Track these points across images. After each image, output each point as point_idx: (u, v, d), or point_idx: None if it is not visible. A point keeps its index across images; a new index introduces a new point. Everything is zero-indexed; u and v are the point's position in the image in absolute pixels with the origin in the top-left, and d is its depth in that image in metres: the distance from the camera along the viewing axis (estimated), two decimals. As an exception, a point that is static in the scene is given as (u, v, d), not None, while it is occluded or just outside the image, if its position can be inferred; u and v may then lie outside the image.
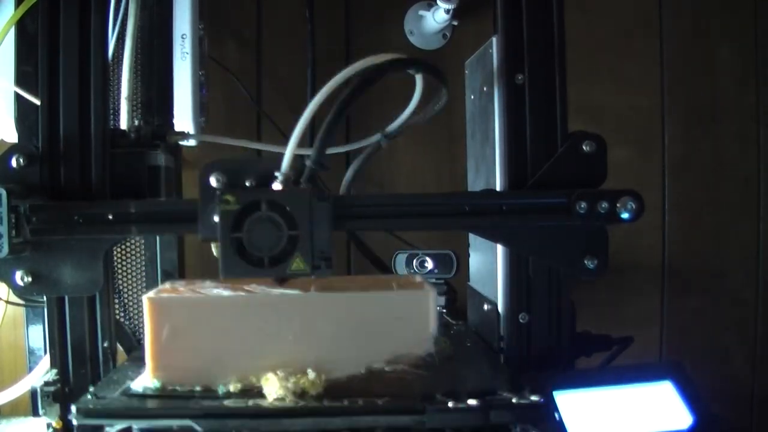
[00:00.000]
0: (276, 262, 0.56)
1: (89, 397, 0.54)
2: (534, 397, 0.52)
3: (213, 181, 0.59)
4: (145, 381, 0.56)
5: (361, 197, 0.64)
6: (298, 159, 0.60)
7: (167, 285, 0.63)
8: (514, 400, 0.52)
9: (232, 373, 0.56)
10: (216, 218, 0.58)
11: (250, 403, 0.53)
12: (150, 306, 0.57)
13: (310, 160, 0.59)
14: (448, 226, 0.68)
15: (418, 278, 0.66)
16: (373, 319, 0.58)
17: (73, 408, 0.52)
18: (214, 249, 0.60)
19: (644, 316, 1.17)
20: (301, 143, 1.07)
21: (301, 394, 0.54)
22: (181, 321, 0.57)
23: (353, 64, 0.61)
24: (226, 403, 0.53)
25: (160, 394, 0.55)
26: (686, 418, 0.60)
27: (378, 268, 0.81)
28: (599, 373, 0.69)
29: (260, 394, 0.54)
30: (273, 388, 0.54)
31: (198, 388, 0.56)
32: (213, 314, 0.57)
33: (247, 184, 0.59)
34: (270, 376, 0.55)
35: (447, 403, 0.52)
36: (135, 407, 0.53)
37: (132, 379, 0.58)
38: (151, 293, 0.58)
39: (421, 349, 0.58)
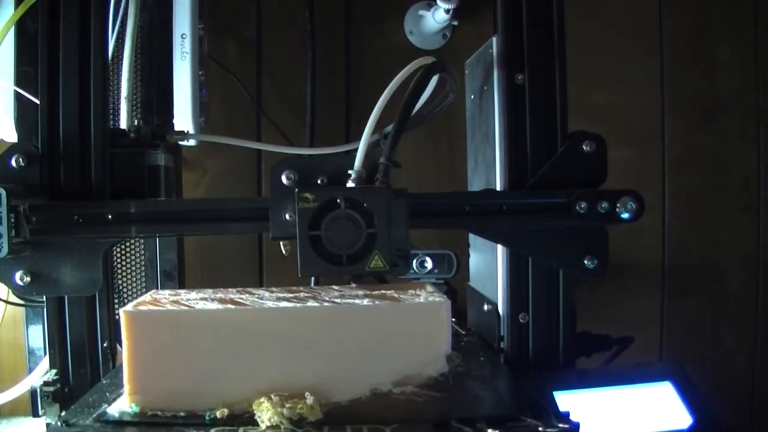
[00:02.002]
0: (355, 260, 0.56)
1: (59, 424, 0.49)
2: (562, 425, 0.46)
3: (284, 179, 0.59)
4: (123, 405, 0.50)
5: (435, 196, 0.64)
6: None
7: (148, 296, 0.58)
8: (540, 429, 0.46)
9: (221, 396, 0.50)
10: (288, 216, 0.58)
11: (241, 431, 0.48)
12: (127, 320, 0.51)
13: (383, 158, 0.59)
14: (448, 226, 0.68)
15: (429, 287, 0.61)
16: (379, 334, 0.52)
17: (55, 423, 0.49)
18: (283, 248, 0.59)
19: (644, 316, 1.17)
20: (299, 143, 1.07)
21: (298, 420, 0.48)
22: (162, 338, 0.51)
23: (409, 65, 0.62)
24: (213, 431, 0.48)
25: (139, 420, 0.49)
26: (686, 418, 0.60)
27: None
28: (599, 373, 0.69)
29: (252, 421, 0.49)
30: (266, 414, 0.48)
31: (182, 414, 0.50)
32: (199, 330, 0.51)
33: (319, 181, 0.59)
34: (263, 400, 0.49)
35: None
36: None
37: (110, 402, 0.52)
38: (129, 306, 0.53)
39: (433, 368, 0.53)
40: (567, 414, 0.48)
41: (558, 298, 0.66)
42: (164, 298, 0.56)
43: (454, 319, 0.74)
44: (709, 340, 1.17)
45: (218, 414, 0.50)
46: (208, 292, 0.59)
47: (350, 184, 0.58)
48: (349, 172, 0.59)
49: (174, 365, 0.51)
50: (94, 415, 0.50)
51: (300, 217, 0.56)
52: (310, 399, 0.49)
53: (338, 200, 0.56)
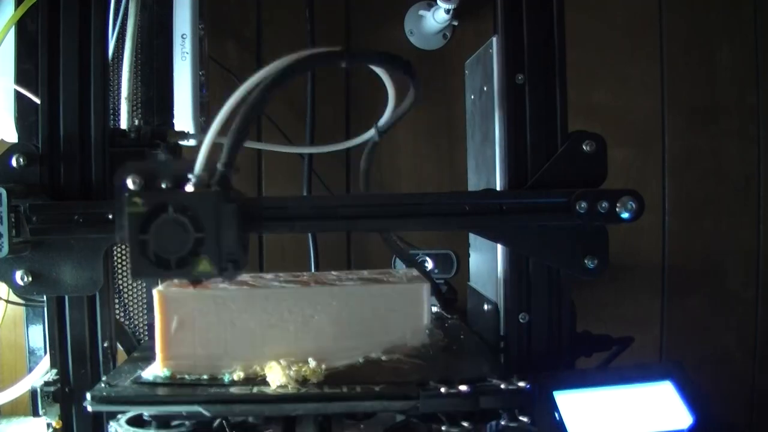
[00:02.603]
0: (182, 264, 0.55)
1: (102, 384, 0.56)
2: (521, 383, 0.55)
3: (130, 183, 0.58)
4: (155, 370, 0.59)
5: (269, 200, 0.64)
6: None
7: (176, 279, 0.64)
8: (502, 386, 0.55)
9: (237, 362, 0.59)
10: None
11: (255, 390, 0.56)
12: (159, 299, 0.60)
13: (219, 162, 0.58)
14: (448, 226, 0.68)
15: (415, 272, 0.69)
16: (369, 311, 0.62)
17: (88, 395, 0.54)
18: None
19: (644, 316, 1.17)
20: (299, 143, 1.07)
21: (302, 381, 0.57)
22: (188, 313, 0.60)
23: (273, 63, 0.60)
24: (232, 390, 0.56)
25: (170, 382, 0.58)
26: (686, 418, 0.60)
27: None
28: (599, 373, 0.69)
29: (264, 382, 0.57)
30: (276, 376, 0.56)
31: (205, 377, 0.58)
32: (218, 307, 0.60)
33: (163, 186, 0.58)
34: (273, 364, 0.57)
35: (439, 389, 0.54)
36: (146, 394, 0.56)
37: (142, 370, 0.60)
38: (161, 286, 0.61)
39: (416, 340, 0.62)
40: (529, 377, 0.55)
41: (558, 298, 0.66)
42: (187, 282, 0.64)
43: (439, 305, 0.82)
44: (709, 340, 1.17)
45: (235, 377, 0.58)
46: None
47: (189, 188, 0.57)
48: (189, 176, 0.57)
49: (198, 336, 0.60)
50: (131, 378, 0.58)
51: (130, 222, 0.55)
52: (312, 363, 0.58)
53: (167, 205, 0.56)
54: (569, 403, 0.59)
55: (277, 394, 0.55)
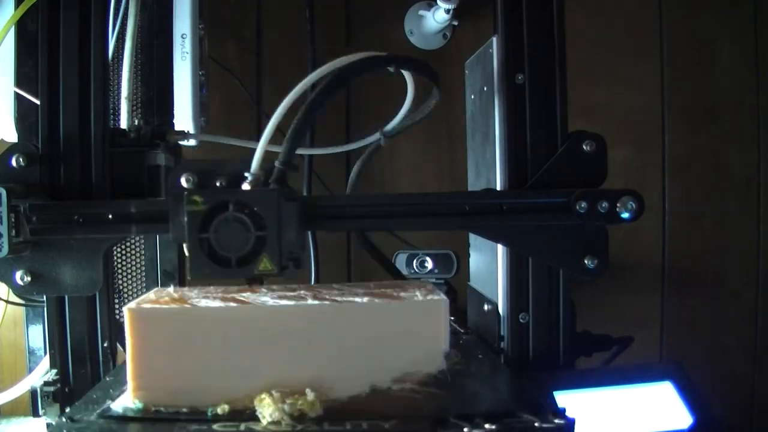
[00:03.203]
0: (243, 263, 0.56)
1: (63, 420, 0.49)
2: (558, 421, 0.47)
3: (183, 182, 0.58)
4: (126, 401, 0.51)
5: (331, 198, 0.64)
6: (270, 160, 0.60)
7: (152, 294, 0.58)
8: (536, 424, 0.47)
9: (222, 393, 0.51)
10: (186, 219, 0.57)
11: (242, 427, 0.48)
12: (131, 318, 0.51)
13: (278, 161, 0.58)
14: (448, 226, 0.68)
15: (429, 285, 0.61)
16: (378, 332, 0.53)
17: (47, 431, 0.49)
18: (186, 250, 0.59)
19: (644, 316, 1.17)
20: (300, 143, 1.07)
21: (298, 416, 0.49)
22: (165, 334, 0.52)
23: (325, 65, 0.61)
24: (216, 427, 0.48)
25: (142, 416, 0.50)
26: (686, 418, 0.60)
27: (391, 274, 0.80)
28: (599, 373, 0.69)
29: (253, 417, 0.49)
30: (267, 410, 0.49)
31: (184, 410, 0.50)
32: (201, 327, 0.52)
33: (218, 185, 0.59)
34: (264, 396, 0.50)
35: (462, 428, 0.46)
36: None
37: (113, 398, 0.52)
38: (133, 303, 0.53)
39: (431, 366, 0.53)
40: (563, 410, 0.48)
41: (558, 298, 0.66)
42: (167, 296, 0.57)
43: (453, 318, 0.74)
44: (709, 340, 1.17)
45: (220, 410, 0.50)
46: (210, 290, 0.60)
47: (246, 187, 0.58)
48: (246, 175, 0.58)
49: (177, 362, 0.52)
50: (98, 411, 0.50)
51: (189, 220, 0.56)
52: (310, 395, 0.50)
53: (228, 203, 0.56)
54: (569, 403, 0.59)
55: None
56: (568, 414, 0.47)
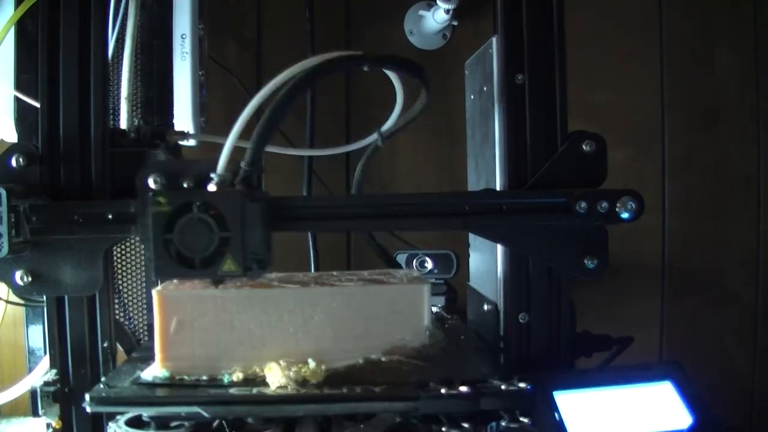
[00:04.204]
0: (207, 264, 0.56)
1: (101, 386, 0.57)
2: (522, 384, 0.55)
3: (151, 183, 0.58)
4: (154, 371, 0.59)
5: (297, 199, 0.64)
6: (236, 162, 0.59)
7: (175, 280, 0.64)
8: (503, 387, 0.55)
9: (237, 363, 0.59)
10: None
11: (254, 391, 0.56)
12: (159, 299, 0.59)
13: (244, 162, 0.58)
14: (448, 226, 0.68)
15: (415, 273, 0.69)
16: (370, 312, 0.61)
17: (87, 396, 0.54)
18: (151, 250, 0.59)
19: (644, 316, 1.17)
20: (299, 143, 1.07)
21: (302, 382, 0.57)
22: (187, 314, 0.59)
23: (295, 65, 0.60)
24: (232, 391, 0.56)
25: (169, 383, 0.58)
26: (686, 418, 0.60)
27: (385, 261, 0.81)
28: (599, 373, 0.69)
29: (263, 383, 0.57)
30: (276, 377, 0.56)
31: (204, 378, 0.58)
32: (217, 307, 0.60)
33: (185, 186, 0.58)
34: (273, 365, 0.57)
35: (440, 391, 0.54)
36: (145, 395, 0.56)
37: (141, 371, 0.60)
38: (160, 287, 0.61)
39: (416, 341, 0.62)
40: (529, 378, 0.56)
41: (558, 298, 0.66)
42: (188, 282, 0.63)
43: (441, 306, 0.83)
44: (709, 340, 1.17)
45: (235, 377, 0.58)
46: None
47: (212, 188, 0.57)
48: (212, 176, 0.58)
49: (197, 337, 0.60)
50: (130, 379, 0.58)
51: (154, 221, 0.56)
52: (312, 364, 0.58)
53: (192, 204, 0.56)
54: (569, 403, 0.59)
55: (276, 395, 0.55)
56: (530, 384, 0.56)
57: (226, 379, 0.58)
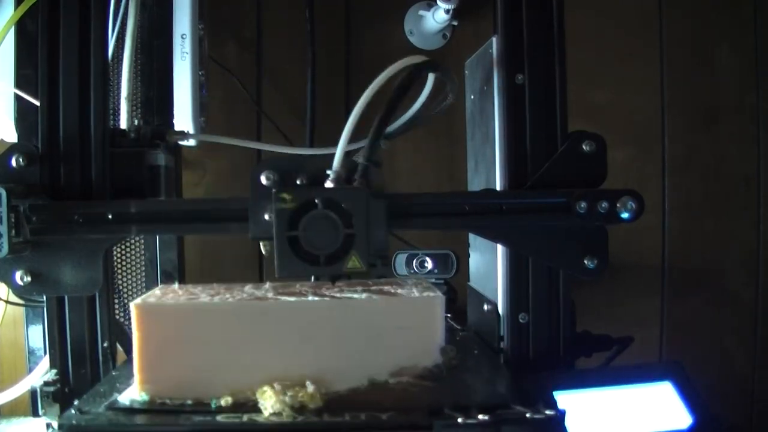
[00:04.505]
0: (332, 261, 0.56)
1: (73, 411, 0.50)
2: (549, 412, 0.48)
3: (264, 179, 0.58)
4: (133, 393, 0.53)
5: (415, 196, 0.64)
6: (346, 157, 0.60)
7: (157, 290, 0.60)
8: (528, 415, 0.48)
9: (226, 385, 0.52)
10: (267, 216, 0.57)
11: (245, 418, 0.50)
12: (137, 313, 0.53)
13: (363, 158, 0.59)
14: (448, 226, 0.68)
15: (426, 282, 0.63)
16: (376, 327, 0.55)
17: (55, 424, 0.49)
18: (263, 248, 0.59)
19: (644, 316, 1.17)
20: (299, 143, 1.08)
21: (299, 408, 0.50)
22: (171, 329, 0.53)
23: (393, 65, 0.63)
24: (219, 418, 0.50)
25: (148, 408, 0.51)
26: (686, 418, 0.60)
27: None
28: (599, 373, 0.69)
29: (255, 409, 0.51)
30: (269, 402, 0.50)
31: (189, 402, 0.52)
32: (205, 322, 0.53)
33: (298, 182, 0.59)
34: (266, 389, 0.51)
35: (456, 419, 0.48)
36: (120, 423, 0.49)
37: (120, 391, 0.54)
38: (139, 299, 0.55)
39: (427, 360, 0.55)
40: (554, 402, 0.50)
41: (558, 298, 0.66)
42: (172, 292, 0.58)
43: (450, 315, 0.76)
44: (709, 340, 1.17)
45: (223, 402, 0.52)
46: (214, 287, 0.61)
47: (329, 184, 0.58)
48: (328, 172, 0.58)
49: (181, 356, 0.53)
50: (105, 403, 0.52)
51: (278, 218, 0.55)
52: (310, 387, 0.51)
53: (316, 201, 0.56)
54: (569, 403, 0.59)
55: (270, 424, 0.49)
56: (560, 406, 0.49)
57: (213, 404, 0.51)
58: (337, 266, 0.56)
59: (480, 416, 0.48)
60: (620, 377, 0.63)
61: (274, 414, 0.50)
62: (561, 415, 0.48)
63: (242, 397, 0.52)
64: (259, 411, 0.50)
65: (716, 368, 1.15)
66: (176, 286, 0.61)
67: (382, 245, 0.56)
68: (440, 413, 0.49)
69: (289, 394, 0.51)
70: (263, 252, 0.59)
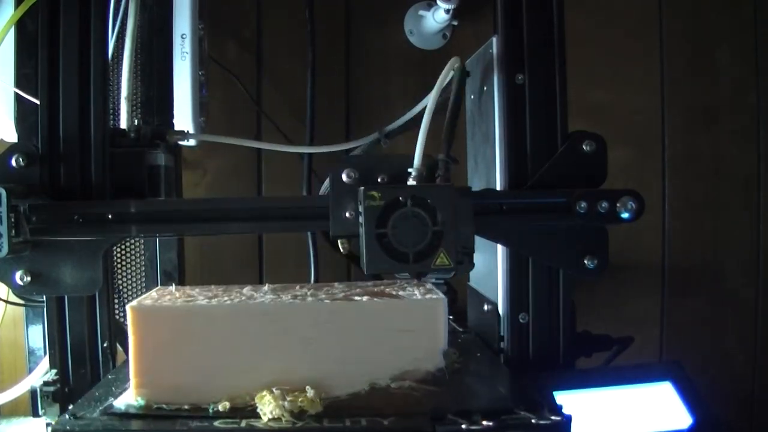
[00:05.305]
0: (421, 258, 0.56)
1: (67, 417, 0.50)
2: (554, 417, 0.48)
3: (345, 177, 0.59)
4: (129, 398, 0.52)
5: (497, 193, 0.65)
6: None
7: (154, 293, 0.59)
8: (533, 421, 0.47)
9: (224, 390, 0.52)
10: (348, 214, 0.59)
11: (243, 423, 0.48)
12: (133, 315, 0.52)
13: (443, 155, 0.60)
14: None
15: (428, 285, 0.63)
16: (377, 330, 0.54)
17: (49, 429, 0.50)
18: (341, 245, 0.60)
19: (644, 316, 1.17)
20: (299, 143, 1.08)
21: (298, 413, 0.49)
22: (168, 332, 0.52)
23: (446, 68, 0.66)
24: (217, 423, 0.48)
25: (144, 413, 0.50)
26: (686, 418, 0.60)
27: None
28: (599, 373, 0.69)
29: (254, 414, 0.50)
30: (268, 407, 0.49)
31: (186, 407, 0.51)
32: (203, 325, 0.53)
33: (379, 180, 0.60)
34: (265, 393, 0.50)
35: (459, 424, 0.47)
36: (116, 428, 0.48)
37: (116, 395, 0.53)
38: (135, 302, 0.54)
39: (430, 363, 0.55)
40: (560, 407, 0.49)
41: (558, 298, 0.66)
42: (168, 295, 0.58)
43: (451, 317, 0.75)
44: (709, 340, 1.17)
45: (221, 407, 0.51)
46: (211, 289, 0.60)
47: (411, 182, 0.59)
48: (409, 170, 0.59)
49: (178, 359, 0.52)
50: (100, 408, 0.51)
51: (367, 215, 0.56)
52: (310, 392, 0.51)
53: (404, 198, 0.57)
54: (569, 403, 0.59)
55: (269, 429, 0.48)
56: (565, 411, 0.48)
57: (210, 409, 0.51)
58: (426, 263, 0.56)
59: (484, 422, 0.47)
60: (620, 377, 0.63)
61: (272, 419, 0.49)
62: (567, 420, 0.48)
63: (240, 402, 0.51)
64: (257, 416, 0.49)
65: (716, 368, 1.15)
66: (173, 288, 0.61)
67: (467, 242, 0.57)
68: (443, 419, 0.48)
69: (288, 399, 0.50)
70: (341, 250, 0.60)
